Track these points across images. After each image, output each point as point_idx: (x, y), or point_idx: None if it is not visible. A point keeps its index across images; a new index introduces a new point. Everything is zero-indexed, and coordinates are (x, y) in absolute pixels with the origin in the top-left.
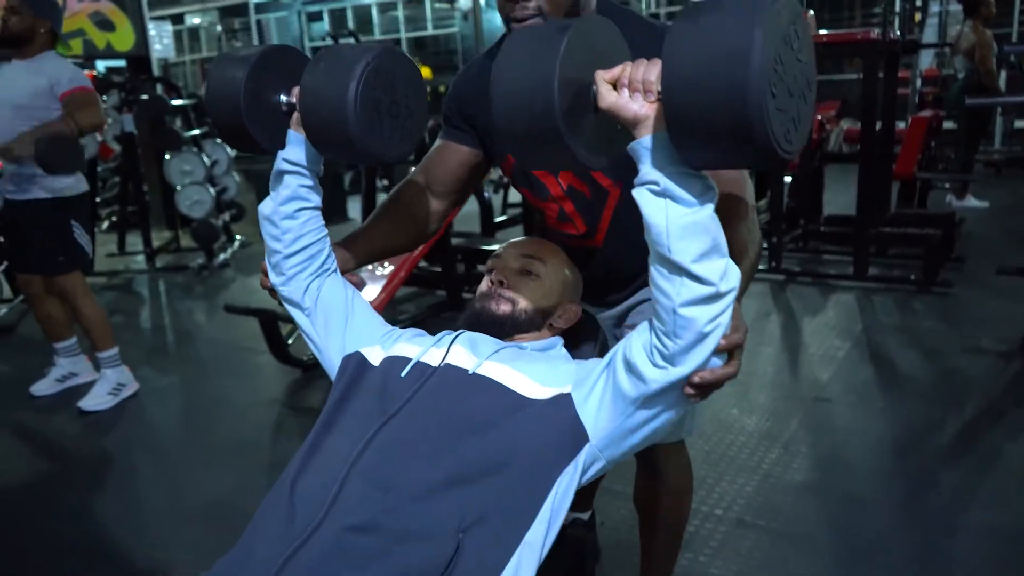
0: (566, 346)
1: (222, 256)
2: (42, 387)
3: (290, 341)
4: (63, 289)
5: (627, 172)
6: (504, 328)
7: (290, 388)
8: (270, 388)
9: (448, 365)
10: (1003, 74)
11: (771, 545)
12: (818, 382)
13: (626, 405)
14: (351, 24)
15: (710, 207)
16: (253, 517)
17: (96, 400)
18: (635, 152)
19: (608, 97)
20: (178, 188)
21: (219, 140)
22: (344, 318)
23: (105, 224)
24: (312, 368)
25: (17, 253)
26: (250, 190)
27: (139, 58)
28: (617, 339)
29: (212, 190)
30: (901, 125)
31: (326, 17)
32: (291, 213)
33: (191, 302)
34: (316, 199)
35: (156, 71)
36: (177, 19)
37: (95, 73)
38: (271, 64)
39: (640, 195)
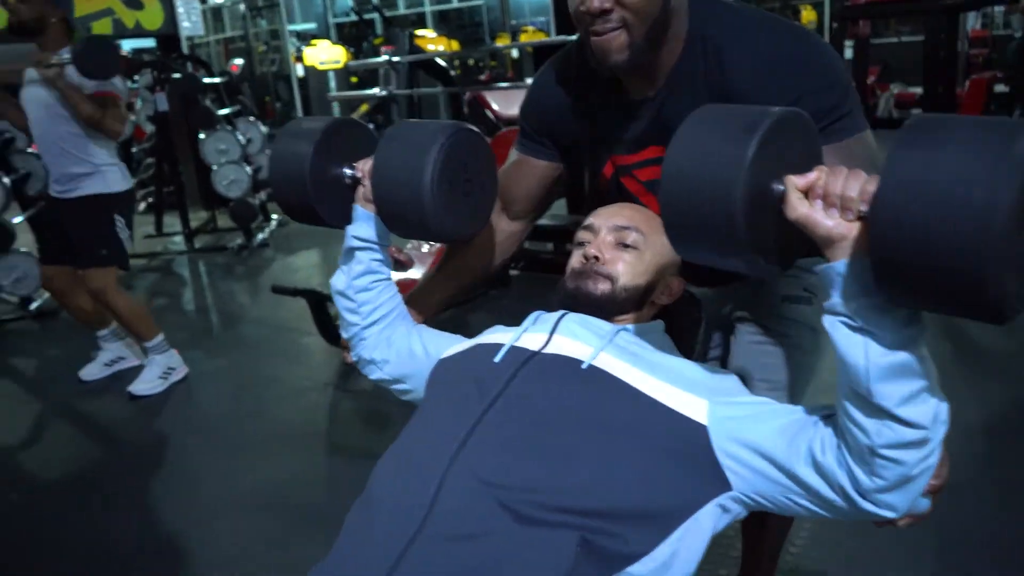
0: (667, 329)
1: (260, 236)
2: (91, 372)
3: (339, 321)
4: (94, 284)
5: None
6: (603, 309)
7: (340, 370)
8: (320, 370)
9: (552, 353)
10: None
11: (862, 537)
12: None
13: (793, 491)
14: None
15: (921, 342)
16: (344, 524)
17: (146, 384)
18: (826, 276)
19: (799, 208)
20: (214, 168)
21: (252, 118)
22: (423, 353)
23: (142, 205)
24: None
25: (53, 247)
26: None
27: (168, 37)
28: (719, 327)
29: (248, 169)
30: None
31: None
32: (365, 286)
33: (233, 283)
34: (388, 270)
35: (184, 50)
36: None
37: (126, 53)
38: (335, 137)
39: (833, 327)
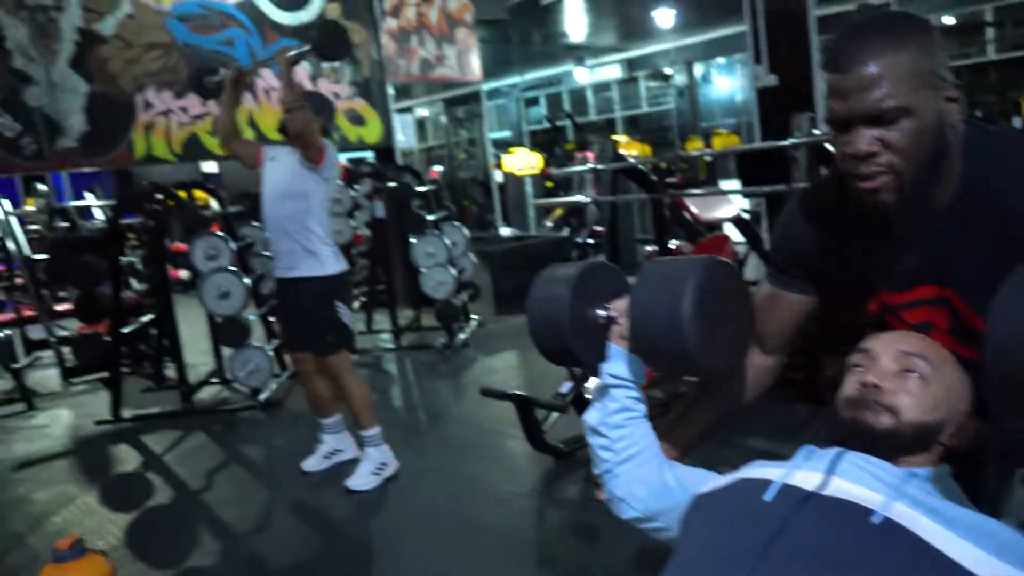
0: (955, 476)
1: (462, 335)
2: (311, 463)
3: (546, 427)
4: (330, 367)
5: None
6: (885, 447)
7: (546, 476)
8: (526, 475)
9: (833, 496)
10: None
11: None
12: None
13: None
14: (567, 107)
15: None
16: None
17: (361, 480)
18: None
19: None
20: (423, 270)
21: (456, 223)
22: (677, 485)
23: (356, 304)
24: (567, 456)
25: (290, 332)
26: (484, 270)
27: (385, 149)
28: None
29: (453, 271)
30: None
31: (543, 101)
32: (620, 423)
33: (437, 381)
34: (642, 408)
35: (398, 160)
36: (405, 111)
37: (345, 164)
38: (589, 281)
39: None
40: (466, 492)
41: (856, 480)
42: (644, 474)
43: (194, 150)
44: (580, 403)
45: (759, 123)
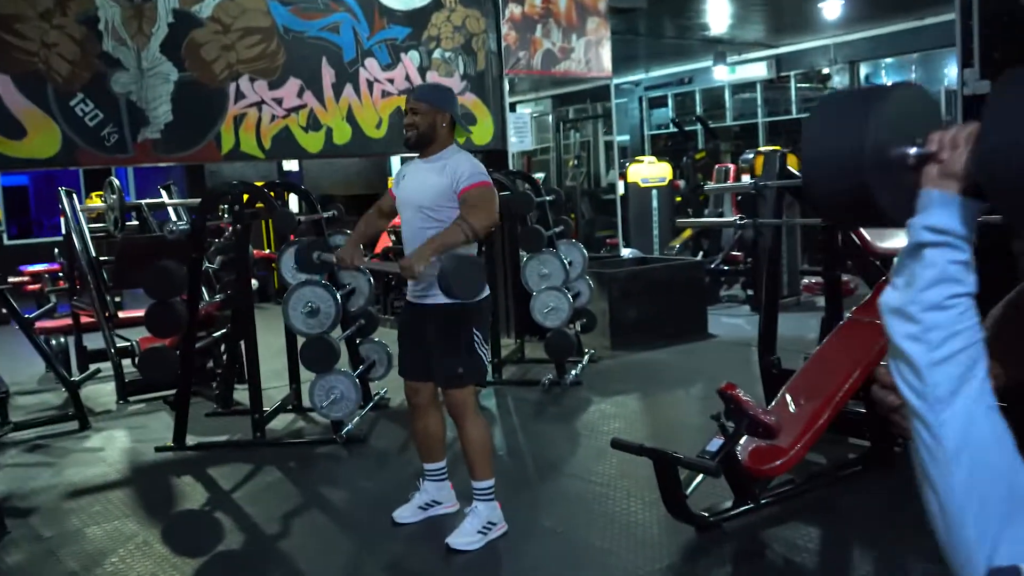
0: None
1: (573, 372)
2: (405, 513)
3: (689, 491)
4: (453, 403)
5: None
6: None
7: (686, 552)
8: (660, 549)
9: None
10: None
11: None
12: None
13: None
14: (698, 109)
15: None
16: None
17: (466, 538)
18: None
19: None
20: (534, 293)
21: (574, 240)
22: (1007, 492)
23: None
24: (712, 528)
25: (412, 358)
26: (601, 297)
27: (496, 152)
28: None
29: (569, 296)
30: None
31: (670, 102)
32: (939, 302)
33: (546, 425)
34: (972, 281)
35: (512, 164)
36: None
37: None
38: (892, 105)
39: None
40: (586, 564)
41: None
42: (961, 384)
43: (284, 147)
44: (731, 466)
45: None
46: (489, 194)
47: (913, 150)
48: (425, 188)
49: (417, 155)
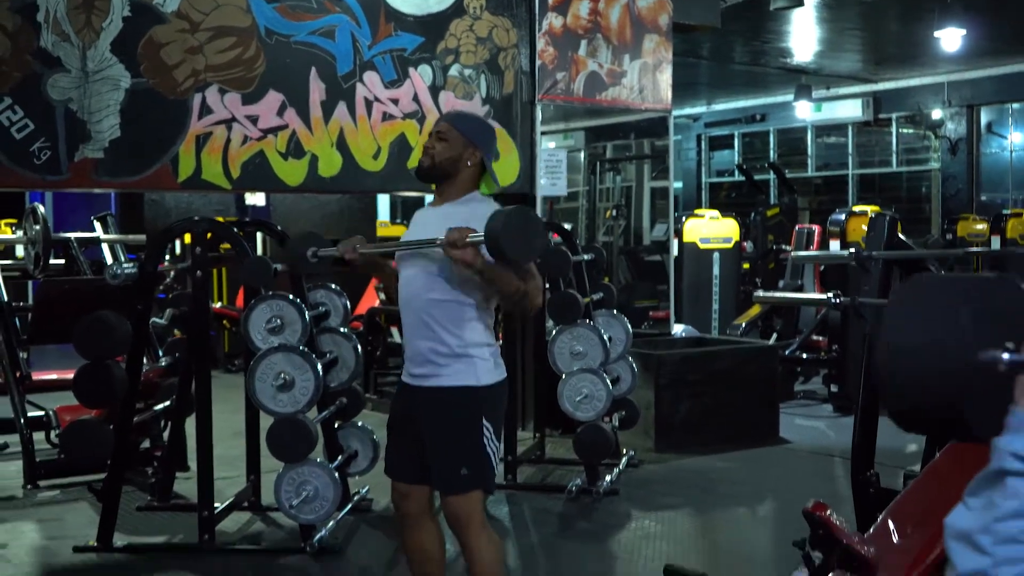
0: None
1: (608, 478)
2: None
3: None
4: (455, 514)
5: None
6: None
7: None
8: None
9: None
10: None
11: None
12: None
13: None
14: (772, 154)
15: None
16: None
17: None
18: None
19: None
20: (564, 375)
21: (616, 312)
22: None
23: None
24: None
25: (403, 455)
26: (646, 385)
27: (520, 195)
28: None
29: (608, 382)
30: None
31: (736, 143)
32: (1016, 535)
33: (573, 543)
34: None
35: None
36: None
37: None
38: (992, 303)
39: None
40: None
41: None
42: None
43: (257, 176)
44: None
45: None
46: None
47: (1006, 356)
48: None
49: (431, 199)
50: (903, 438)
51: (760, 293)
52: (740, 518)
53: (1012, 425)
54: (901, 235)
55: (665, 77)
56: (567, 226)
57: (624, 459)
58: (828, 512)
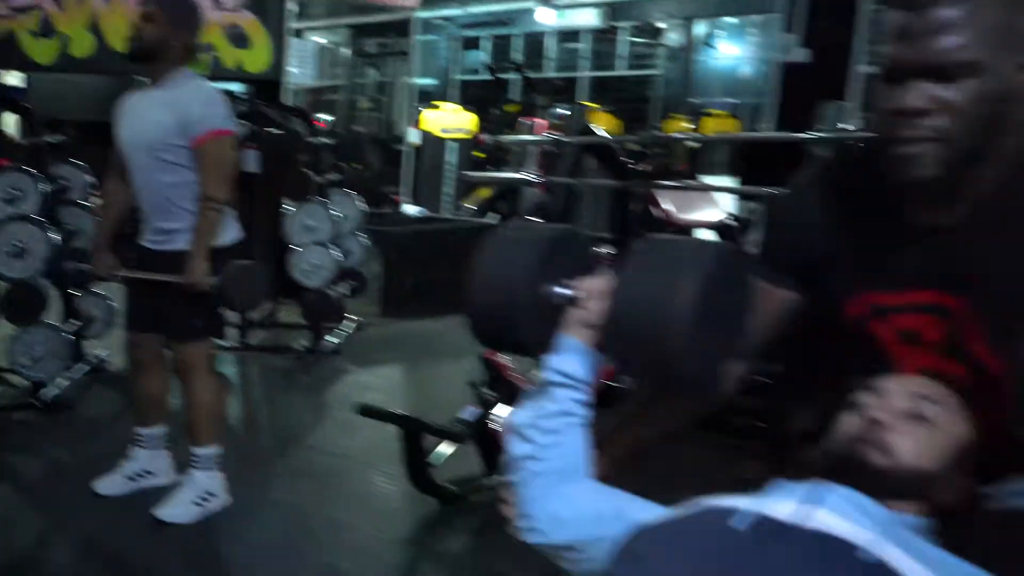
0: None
1: (333, 340)
2: (110, 484)
3: (436, 464)
4: (186, 360)
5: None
6: (876, 488)
7: (427, 524)
8: (400, 520)
9: (816, 530)
10: None
11: None
12: None
13: None
14: (518, 55)
15: None
16: None
17: (178, 509)
18: None
19: None
20: (296, 248)
21: (350, 192)
22: (613, 513)
23: None
24: (455, 500)
25: (140, 308)
26: (376, 257)
27: (269, 82)
28: None
29: (336, 254)
30: None
31: (485, 45)
32: (556, 428)
33: (294, 395)
34: (584, 412)
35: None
36: (297, 35)
37: None
38: (556, 248)
39: None
40: (319, 537)
41: (843, 515)
42: (570, 493)
43: (6, 55)
44: (484, 437)
45: (777, 107)
46: (227, 150)
47: (559, 291)
48: (149, 124)
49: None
50: None
51: (468, 172)
52: (445, 371)
53: (559, 345)
54: (596, 126)
55: None
56: (328, 117)
57: (351, 324)
58: (499, 356)
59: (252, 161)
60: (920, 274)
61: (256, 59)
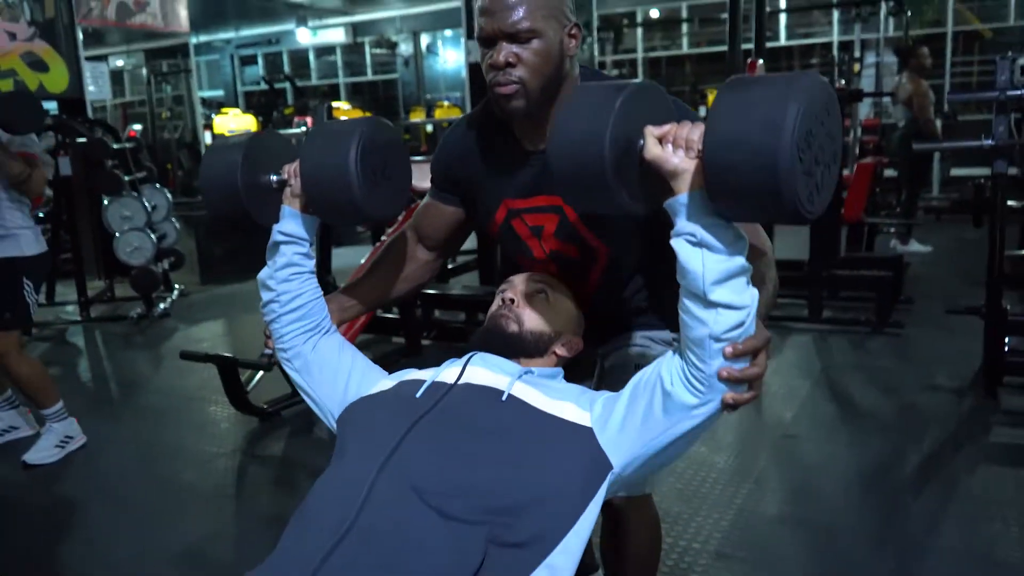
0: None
1: (162, 306)
2: None
3: (249, 388)
4: None
5: (616, 236)
6: (512, 347)
7: (250, 437)
8: (228, 438)
9: (468, 383)
10: (938, 123)
11: (750, 574)
12: (783, 420)
13: (655, 431)
14: (286, 68)
15: (742, 256)
16: (281, 537)
17: (42, 453)
18: (672, 207)
19: (653, 149)
20: (117, 234)
21: (158, 184)
22: (345, 372)
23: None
24: (271, 416)
25: None
26: (190, 236)
27: (73, 100)
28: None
29: (153, 236)
30: (846, 172)
31: (260, 61)
32: (287, 277)
33: (133, 352)
34: (310, 264)
35: (90, 114)
36: (99, 60)
37: None
38: (257, 147)
39: (677, 244)
40: (164, 457)
41: (487, 369)
42: (306, 324)
43: None
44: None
45: (469, 97)
46: (35, 161)
47: (275, 177)
48: None
49: None
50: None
51: None
52: (256, 320)
53: (281, 215)
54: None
55: (181, 7)
56: (138, 126)
57: (176, 291)
58: None
59: (65, 165)
60: (534, 184)
61: (56, 81)
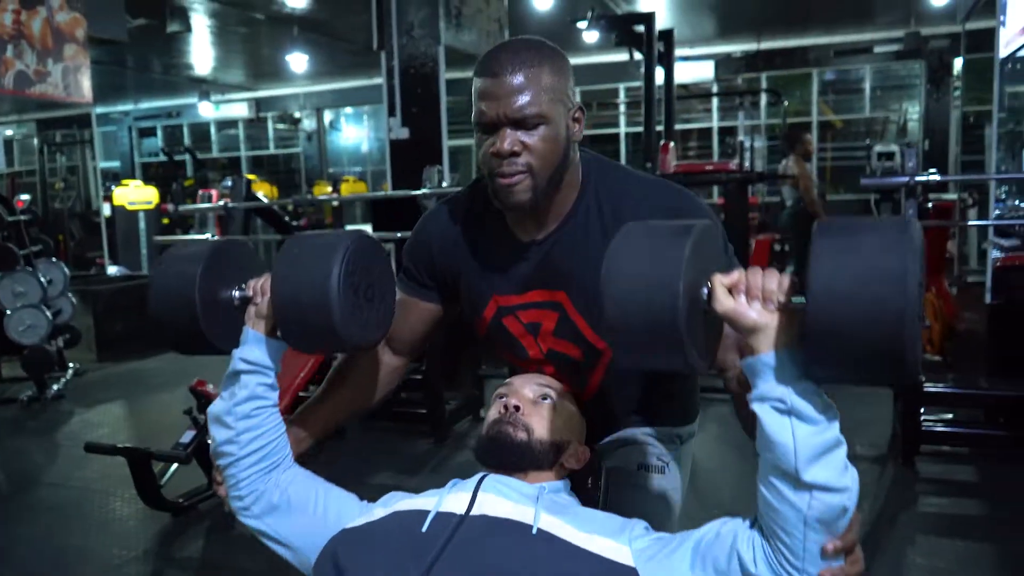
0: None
1: (55, 387)
2: None
3: (163, 482)
4: None
5: None
6: (522, 459)
7: (163, 536)
8: (139, 537)
9: (483, 515)
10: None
11: None
12: (721, 499)
13: None
14: (187, 140)
15: (836, 425)
16: None
17: None
18: (752, 368)
19: (726, 302)
20: (8, 312)
21: (54, 259)
22: (321, 505)
23: None
24: (186, 511)
25: None
26: (86, 312)
27: None
28: None
29: (48, 313)
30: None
31: (160, 133)
32: (248, 413)
33: (24, 440)
34: (274, 396)
35: None
36: None
37: None
38: (220, 259)
39: (762, 411)
40: (66, 563)
41: (500, 496)
42: (265, 464)
43: None
44: (203, 453)
45: (390, 172)
46: None
47: (237, 293)
48: None
49: None
50: None
51: (158, 236)
52: (162, 401)
53: (243, 339)
54: (256, 191)
55: (86, 78)
56: (27, 196)
57: (71, 371)
58: (207, 386)
59: None
60: (530, 278)
61: None
